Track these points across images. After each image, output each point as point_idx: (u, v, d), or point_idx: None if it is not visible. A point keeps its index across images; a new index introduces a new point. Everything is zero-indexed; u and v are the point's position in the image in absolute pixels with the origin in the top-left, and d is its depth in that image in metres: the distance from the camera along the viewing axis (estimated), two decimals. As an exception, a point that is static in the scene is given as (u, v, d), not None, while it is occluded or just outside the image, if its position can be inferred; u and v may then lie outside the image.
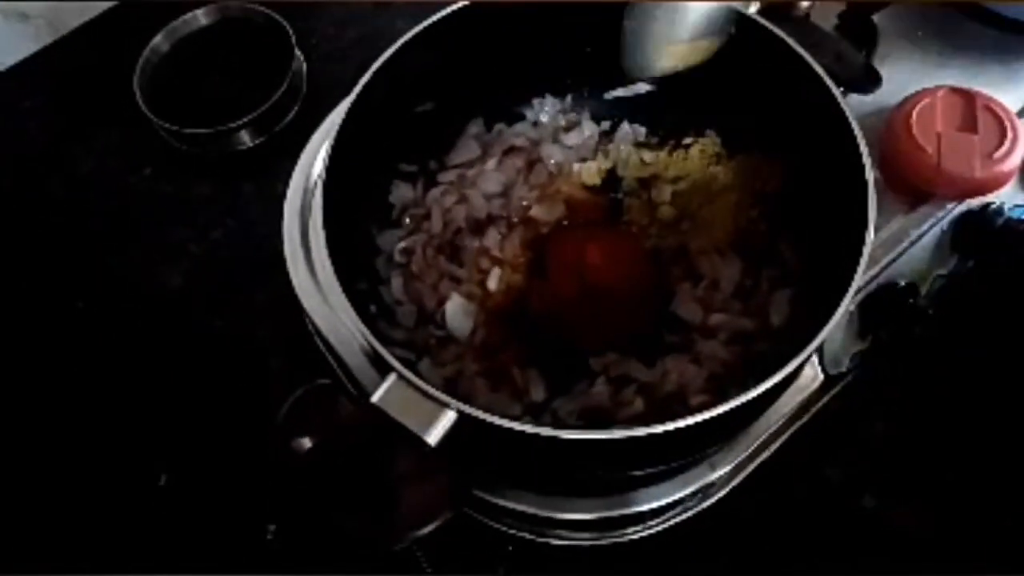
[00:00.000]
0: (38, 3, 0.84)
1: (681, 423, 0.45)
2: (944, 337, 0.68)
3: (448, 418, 0.45)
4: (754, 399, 0.46)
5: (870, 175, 0.51)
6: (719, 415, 0.46)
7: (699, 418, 0.45)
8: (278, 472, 0.46)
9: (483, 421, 0.45)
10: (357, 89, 0.55)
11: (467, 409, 0.45)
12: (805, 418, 0.64)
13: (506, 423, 0.44)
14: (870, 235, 0.50)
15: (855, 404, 0.66)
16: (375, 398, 0.45)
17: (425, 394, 0.45)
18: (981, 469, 0.65)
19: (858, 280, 0.49)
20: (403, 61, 0.57)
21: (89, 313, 0.74)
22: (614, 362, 0.58)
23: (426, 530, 0.44)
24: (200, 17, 0.84)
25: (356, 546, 0.46)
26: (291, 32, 0.81)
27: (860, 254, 0.49)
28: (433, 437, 0.44)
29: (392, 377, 0.45)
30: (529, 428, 0.44)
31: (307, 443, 0.43)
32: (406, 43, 0.56)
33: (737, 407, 0.46)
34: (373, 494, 0.44)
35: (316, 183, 0.62)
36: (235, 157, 0.80)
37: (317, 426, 0.44)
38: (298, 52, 0.82)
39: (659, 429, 0.44)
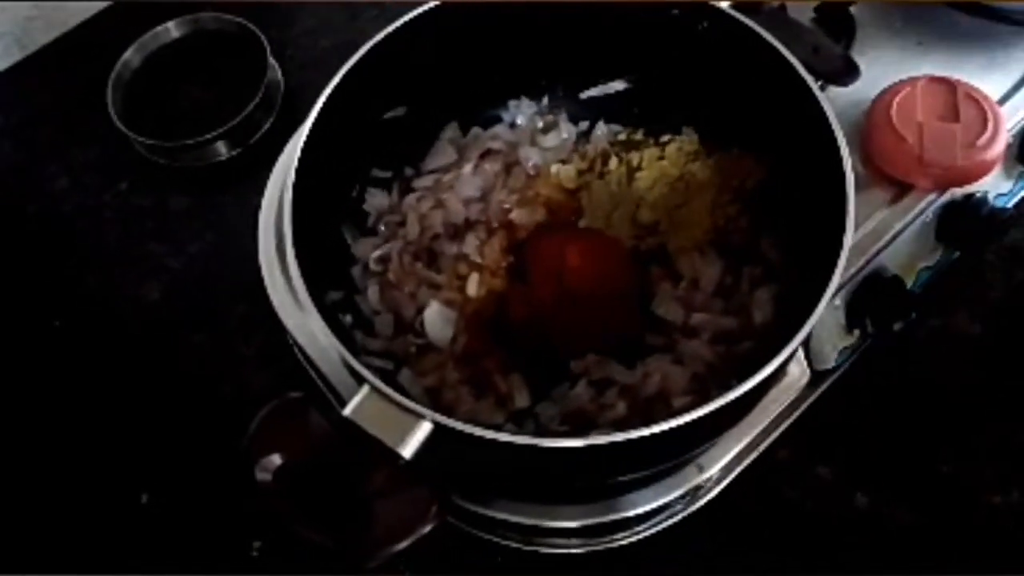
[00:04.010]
0: (5, 19, 0.83)
1: (663, 426, 0.44)
2: (932, 329, 0.67)
3: (423, 430, 0.43)
4: (738, 398, 0.45)
5: (848, 168, 0.51)
6: (703, 416, 0.44)
7: (682, 420, 0.44)
8: (254, 489, 0.44)
9: (460, 431, 0.44)
10: (322, 97, 0.54)
11: (442, 420, 0.43)
12: (794, 416, 0.63)
13: (482, 432, 0.43)
14: (850, 228, 0.49)
15: (844, 400, 0.65)
16: (347, 411, 0.43)
17: (399, 405, 0.44)
18: (975, 464, 0.64)
19: (839, 275, 0.48)
20: (371, 66, 0.55)
21: (67, 331, 0.73)
22: (595, 364, 0.57)
23: (403, 545, 0.42)
24: (172, 30, 0.83)
25: (332, 564, 0.44)
26: (265, 42, 0.80)
27: (840, 248, 0.48)
28: (408, 450, 0.43)
29: (364, 389, 0.44)
30: (504, 437, 0.43)
31: (277, 460, 0.42)
32: (373, 47, 0.55)
33: (721, 407, 0.45)
34: (348, 510, 0.43)
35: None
36: (212, 169, 0.79)
37: (287, 441, 0.43)
38: (273, 62, 0.81)
39: (635, 435, 0.43)
